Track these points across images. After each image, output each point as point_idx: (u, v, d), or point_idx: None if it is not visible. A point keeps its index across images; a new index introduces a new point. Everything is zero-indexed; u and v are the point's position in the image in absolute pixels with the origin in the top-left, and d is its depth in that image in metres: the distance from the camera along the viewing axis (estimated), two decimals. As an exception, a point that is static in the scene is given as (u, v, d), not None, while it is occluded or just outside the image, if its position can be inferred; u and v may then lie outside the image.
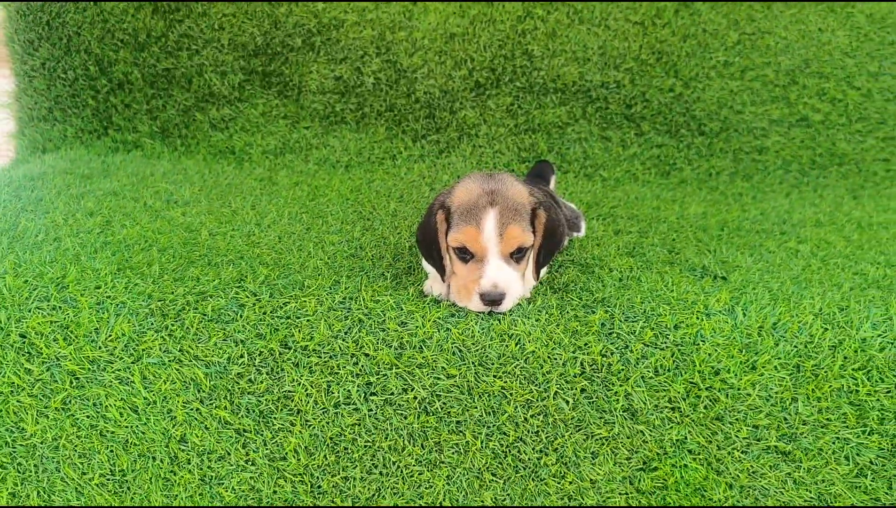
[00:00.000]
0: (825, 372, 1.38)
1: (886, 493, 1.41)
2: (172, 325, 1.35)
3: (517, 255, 1.40)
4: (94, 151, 2.66)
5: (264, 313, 1.37)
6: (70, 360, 1.32)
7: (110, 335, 1.33)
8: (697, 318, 1.42)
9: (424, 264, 1.64)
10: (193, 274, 1.48)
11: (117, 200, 2.07)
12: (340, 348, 1.35)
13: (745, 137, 2.77)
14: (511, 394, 1.35)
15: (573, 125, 2.77)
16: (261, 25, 2.67)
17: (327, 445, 1.36)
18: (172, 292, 1.40)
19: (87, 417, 1.34)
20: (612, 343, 1.38)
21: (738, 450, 1.40)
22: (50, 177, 2.25)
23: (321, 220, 2.04)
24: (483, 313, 1.40)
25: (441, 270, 1.45)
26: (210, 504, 1.36)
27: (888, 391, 1.38)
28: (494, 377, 1.35)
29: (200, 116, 2.73)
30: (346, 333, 1.36)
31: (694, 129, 2.77)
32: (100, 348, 1.33)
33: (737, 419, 1.38)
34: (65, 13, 2.59)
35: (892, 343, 1.40)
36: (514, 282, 1.39)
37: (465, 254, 1.39)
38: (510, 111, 2.77)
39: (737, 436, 1.39)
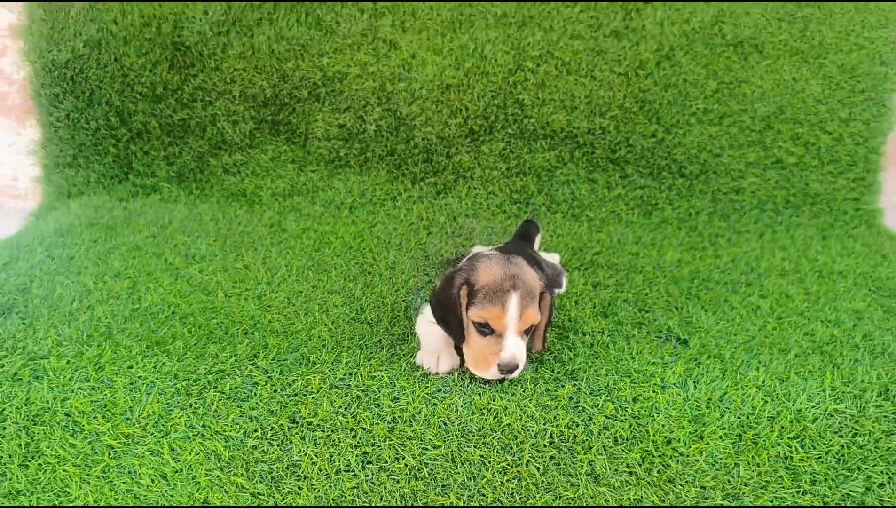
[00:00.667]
0: (764, 440, 1.58)
1: (819, 543, 1.62)
2: (196, 403, 1.56)
3: (527, 331, 1.66)
4: (116, 195, 2.87)
5: (275, 391, 1.58)
6: (108, 435, 1.54)
7: (142, 413, 1.55)
8: (654, 391, 1.62)
9: (419, 331, 1.84)
10: (212, 351, 1.69)
11: (140, 256, 2.28)
12: (341, 423, 1.56)
13: (722, 178, 2.95)
14: (489, 462, 1.56)
15: (561, 168, 2.95)
16: (270, 78, 2.86)
17: (330, 505, 1.58)
18: (195, 371, 1.61)
19: (123, 483, 1.56)
20: (577, 416, 1.59)
21: None
22: (77, 231, 2.46)
23: (325, 275, 2.25)
24: (495, 380, 1.65)
25: (458, 337, 1.64)
26: (230, 556, 1.59)
27: (819, 457, 1.58)
28: (475, 447, 1.56)
29: (214, 161, 2.93)
30: (346, 409, 1.57)
31: (675, 171, 2.95)
32: (134, 424, 1.55)
33: (686, 482, 1.59)
34: (87, 69, 2.79)
35: (824, 414, 1.60)
36: (524, 354, 1.63)
37: (484, 328, 1.60)
38: (503, 155, 2.95)
39: (686, 496, 1.59)
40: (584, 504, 1.59)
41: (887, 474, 1.58)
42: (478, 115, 2.92)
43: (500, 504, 1.59)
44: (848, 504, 1.58)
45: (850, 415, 1.61)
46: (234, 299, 2.04)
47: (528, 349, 1.73)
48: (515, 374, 1.63)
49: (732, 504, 1.59)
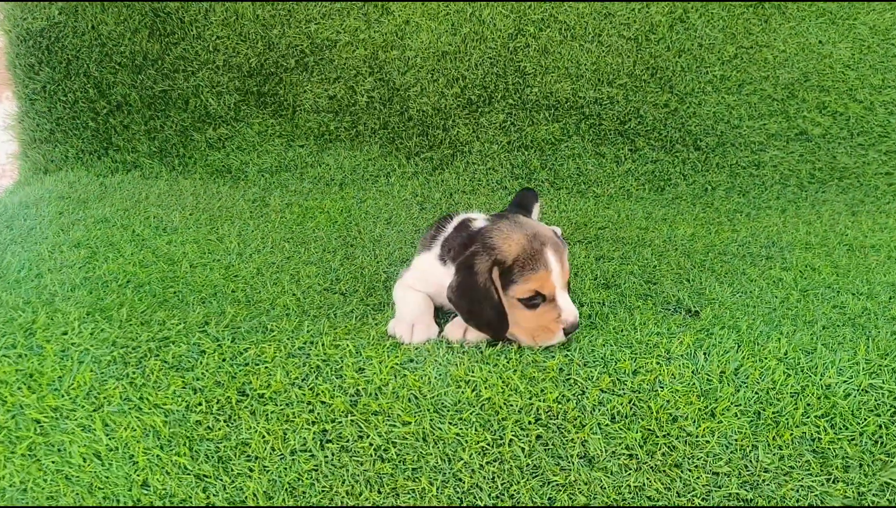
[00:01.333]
0: (786, 419, 1.36)
1: (853, 542, 1.39)
2: (133, 373, 1.38)
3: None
4: (95, 171, 2.71)
5: (223, 360, 1.39)
6: (34, 408, 1.36)
7: (73, 384, 1.37)
8: (657, 363, 1.41)
9: (396, 297, 1.65)
10: (160, 317, 1.51)
11: (106, 228, 2.11)
12: (297, 396, 1.37)
13: (741, 151, 2.73)
14: (466, 441, 1.36)
15: (566, 142, 2.75)
16: (255, 47, 2.69)
17: (285, 490, 1.38)
18: (135, 339, 1.42)
19: (53, 462, 1.37)
20: (568, 389, 1.38)
21: (697, 497, 1.39)
22: (45, 203, 2.30)
23: (303, 248, 2.06)
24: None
25: (499, 326, 1.45)
26: (172, 547, 1.40)
27: (852, 439, 1.36)
28: (450, 424, 1.36)
29: (197, 135, 2.77)
30: (302, 380, 1.38)
31: (689, 144, 2.74)
32: (63, 396, 1.37)
33: (695, 467, 1.38)
34: (63, 38, 2.64)
35: (857, 390, 1.38)
36: None
37: (534, 300, 1.46)
38: (503, 128, 2.76)
39: (696, 483, 1.38)
40: (577, 491, 1.38)
41: (932, 459, 1.35)
42: (476, 84, 2.72)
43: (479, 491, 1.38)
44: (888, 496, 1.36)
45: (889, 391, 1.38)
46: (199, 269, 1.86)
47: None
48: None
49: (750, 495, 1.38)
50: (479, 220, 1.65)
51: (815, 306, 1.73)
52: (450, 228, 1.70)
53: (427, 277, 1.66)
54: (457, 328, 1.52)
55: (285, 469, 1.37)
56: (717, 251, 2.14)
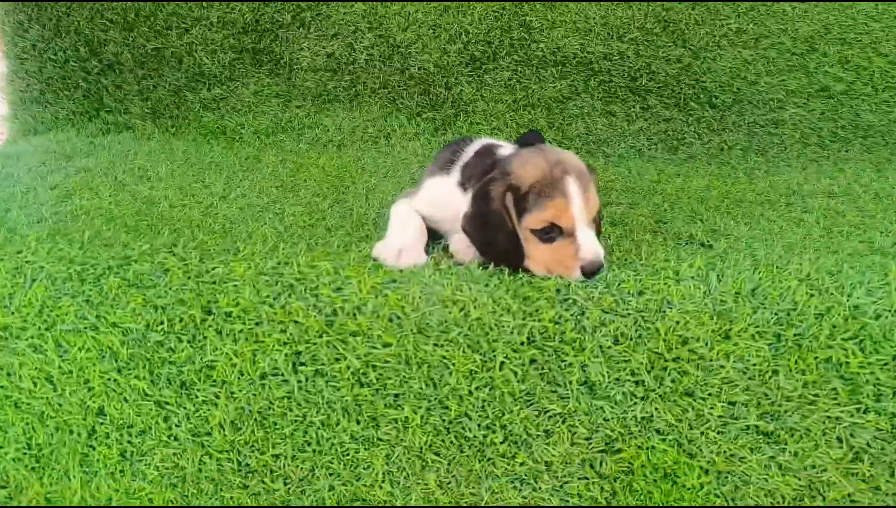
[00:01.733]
0: (810, 342, 1.22)
1: (888, 481, 1.24)
2: (90, 290, 1.26)
3: (595, 221, 1.40)
4: (86, 132, 2.62)
5: (188, 278, 1.27)
6: (-19, 326, 1.25)
7: (24, 301, 1.25)
8: (665, 284, 1.27)
9: (393, 212, 1.53)
10: (124, 239, 1.40)
11: (88, 176, 2.01)
12: (267, 314, 1.24)
13: (759, 109, 2.59)
14: (453, 364, 1.23)
15: (575, 100, 2.62)
16: (249, 2, 2.59)
17: (255, 419, 1.26)
18: (96, 257, 1.31)
19: (1, 387, 1.26)
20: (566, 310, 1.24)
21: (712, 430, 1.25)
22: (29, 155, 2.21)
23: (293, 194, 1.95)
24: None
25: (514, 257, 1.34)
26: (131, 481, 1.27)
27: (885, 364, 1.22)
28: (435, 345, 1.23)
29: (191, 96, 2.67)
30: (274, 298, 1.25)
31: (704, 101, 2.60)
32: (12, 313, 1.25)
33: (710, 395, 1.24)
34: (53, -7, 2.56)
35: (889, 311, 1.23)
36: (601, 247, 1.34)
37: (550, 233, 1.32)
38: (508, 86, 2.64)
39: (710, 414, 1.24)
40: (577, 423, 1.24)
41: (976, 386, 1.20)
42: (479, 40, 2.60)
43: (467, 420, 1.25)
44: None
45: (925, 312, 1.23)
46: (178, 209, 1.75)
47: None
48: (600, 275, 1.31)
49: (771, 427, 1.23)
50: (505, 147, 1.53)
51: (839, 241, 1.58)
52: (470, 151, 1.58)
53: (441, 202, 1.54)
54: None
55: (254, 395, 1.25)
56: (733, 199, 2.00)
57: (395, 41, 2.61)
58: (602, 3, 2.56)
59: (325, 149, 2.57)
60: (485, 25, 2.59)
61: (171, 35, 2.62)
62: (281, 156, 2.42)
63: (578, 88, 2.61)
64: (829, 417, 1.22)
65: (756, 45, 2.57)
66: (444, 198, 1.54)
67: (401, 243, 1.40)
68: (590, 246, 1.30)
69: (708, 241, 1.58)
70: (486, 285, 1.27)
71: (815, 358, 1.21)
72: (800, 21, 2.55)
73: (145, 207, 1.73)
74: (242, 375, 1.24)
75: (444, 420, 1.25)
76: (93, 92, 2.66)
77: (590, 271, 1.29)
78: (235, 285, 1.26)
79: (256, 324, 1.24)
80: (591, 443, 1.26)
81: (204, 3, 2.59)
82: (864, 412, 1.22)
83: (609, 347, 1.23)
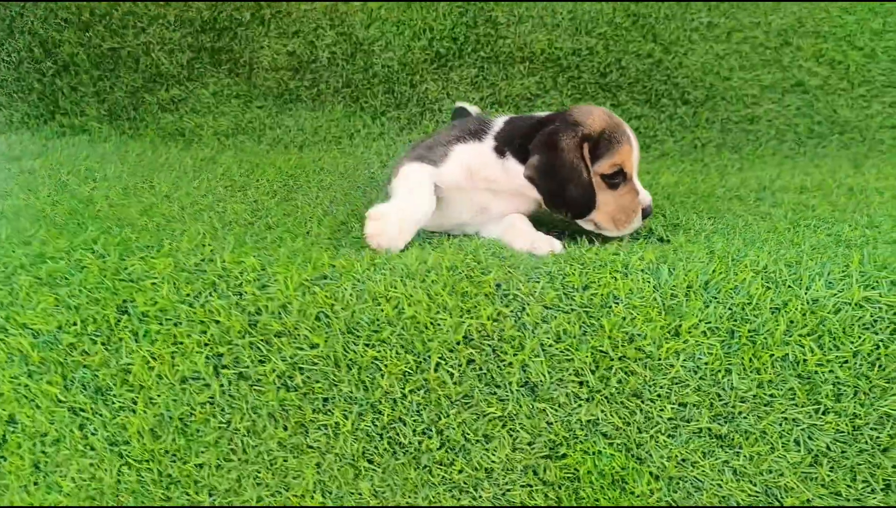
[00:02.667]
0: (765, 338, 1.14)
1: (849, 486, 1.16)
2: (0, 290, 1.18)
3: None
4: (41, 135, 2.54)
5: (104, 276, 1.19)
6: None
7: (-73, 302, 1.17)
8: (612, 277, 1.20)
9: (408, 185, 1.45)
10: (43, 236, 1.32)
11: (31, 177, 1.93)
12: (186, 314, 1.16)
13: (733, 105, 2.52)
14: (386, 366, 1.15)
15: (543, 97, 2.56)
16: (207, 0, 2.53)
17: (176, 427, 1.17)
18: (9, 256, 1.23)
19: None
20: (506, 306, 1.17)
21: (662, 433, 1.17)
22: (-27, 158, 2.13)
23: (241, 193, 1.87)
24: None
25: (585, 205, 1.43)
26: (46, 494, 1.19)
27: (845, 362, 1.14)
28: (366, 346, 1.15)
29: (149, 97, 2.60)
30: (195, 297, 1.17)
31: (676, 98, 2.53)
32: (-85, 315, 1.17)
33: (659, 396, 1.16)
34: (6, -7, 2.49)
35: (849, 304, 1.16)
36: None
37: (616, 179, 1.44)
38: (475, 83, 2.57)
39: (660, 416, 1.16)
40: (519, 427, 1.16)
41: (942, 383, 1.13)
42: (444, 36, 2.54)
43: (401, 425, 1.17)
44: (888, 430, 1.13)
45: (888, 305, 1.16)
46: (117, 208, 1.67)
47: None
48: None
49: (724, 429, 1.16)
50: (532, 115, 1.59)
51: (805, 235, 1.51)
52: (499, 121, 1.58)
53: (476, 167, 1.52)
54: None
55: (174, 400, 1.17)
56: (701, 194, 1.93)
57: (358, 39, 2.55)
58: (569, -3, 2.50)
59: (286, 150, 2.50)
60: (449, 21, 2.53)
61: (127, 34, 2.55)
62: (239, 157, 2.35)
63: (547, 84, 2.55)
64: (785, 418, 1.15)
65: (728, 40, 2.52)
66: (480, 164, 1.52)
67: (406, 216, 1.34)
68: (645, 191, 1.48)
69: (667, 236, 1.51)
70: (423, 281, 1.19)
71: (771, 356, 1.14)
72: (772, 14, 2.49)
73: (82, 206, 1.65)
74: (161, 379, 1.16)
75: (376, 426, 1.16)
76: (48, 94, 2.58)
77: (647, 213, 1.48)
78: (154, 283, 1.18)
79: (175, 324, 1.16)
80: (533, 448, 1.17)
81: (160, 2, 2.52)
82: (823, 414, 1.14)
83: (551, 345, 1.15)
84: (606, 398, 1.16)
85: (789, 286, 1.18)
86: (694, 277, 1.19)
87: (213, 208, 1.69)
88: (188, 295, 1.18)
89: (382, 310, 1.16)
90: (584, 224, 1.50)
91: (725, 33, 2.51)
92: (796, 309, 1.15)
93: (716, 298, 1.17)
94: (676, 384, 1.15)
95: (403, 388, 1.15)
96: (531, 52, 2.53)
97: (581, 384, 1.16)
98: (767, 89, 2.52)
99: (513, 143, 1.48)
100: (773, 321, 1.15)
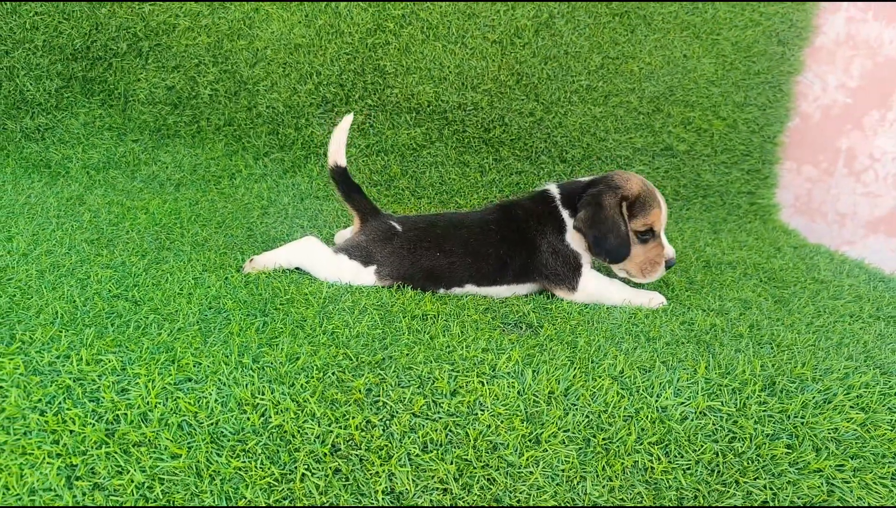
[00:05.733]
0: (618, 446, 1.21)
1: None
2: None
3: None
4: None
5: (-56, 379, 1.12)
6: None
7: None
8: (480, 382, 1.23)
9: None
10: None
11: None
12: (37, 423, 1.11)
13: (608, 165, 2.64)
14: (250, 477, 1.14)
15: (428, 148, 2.59)
16: (80, 27, 2.39)
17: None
18: None
19: None
20: (375, 414, 1.18)
21: (520, 536, 1.21)
22: None
23: (107, 250, 1.79)
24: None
25: (620, 254, 1.71)
26: None
27: (687, 468, 1.23)
28: (230, 456, 1.14)
29: (12, 124, 2.44)
30: (47, 403, 1.12)
31: (555, 155, 2.62)
32: None
33: (517, 502, 1.20)
34: None
35: (694, 413, 1.25)
36: None
37: (646, 235, 1.73)
38: (361, 130, 2.57)
39: (519, 521, 1.21)
40: (381, 534, 1.18)
41: (771, 489, 1.23)
42: (332, 81, 2.52)
43: (263, 536, 1.16)
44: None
45: (728, 414, 1.26)
46: (-35, 270, 1.56)
47: None
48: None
49: (578, 532, 1.21)
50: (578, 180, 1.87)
51: (661, 323, 1.61)
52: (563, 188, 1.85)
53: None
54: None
55: (21, 513, 1.11)
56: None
57: (242, 77, 2.49)
58: (456, 52, 2.54)
59: (161, 188, 2.40)
60: (337, 67, 2.51)
61: (-12, 57, 2.38)
62: (109, 196, 2.24)
63: (433, 136, 2.58)
64: (634, 521, 1.22)
65: (605, 103, 2.63)
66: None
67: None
68: (669, 246, 1.75)
69: (538, 323, 1.57)
70: (292, 386, 1.19)
71: (622, 464, 1.21)
72: (646, 81, 2.63)
73: (-75, 268, 1.54)
74: (8, 491, 1.10)
75: (238, 536, 1.15)
76: None
77: (670, 265, 1.74)
78: (1, 387, 1.12)
79: (24, 434, 1.10)
80: (398, 553, 1.19)
81: (27, 24, 2.37)
82: (668, 517, 1.22)
83: (417, 454, 1.17)
84: (468, 504, 1.19)
85: (642, 394, 1.26)
86: (555, 383, 1.25)
87: (75, 274, 1.60)
88: (39, 400, 1.12)
89: (249, 419, 1.15)
90: (618, 271, 1.80)
91: (603, 97, 2.62)
92: (647, 418, 1.23)
93: (575, 405, 1.23)
94: (534, 489, 1.20)
95: (268, 499, 1.14)
96: (418, 103, 2.55)
97: (444, 491, 1.19)
98: (639, 152, 2.66)
99: (569, 202, 1.78)
100: (626, 429, 1.22)
